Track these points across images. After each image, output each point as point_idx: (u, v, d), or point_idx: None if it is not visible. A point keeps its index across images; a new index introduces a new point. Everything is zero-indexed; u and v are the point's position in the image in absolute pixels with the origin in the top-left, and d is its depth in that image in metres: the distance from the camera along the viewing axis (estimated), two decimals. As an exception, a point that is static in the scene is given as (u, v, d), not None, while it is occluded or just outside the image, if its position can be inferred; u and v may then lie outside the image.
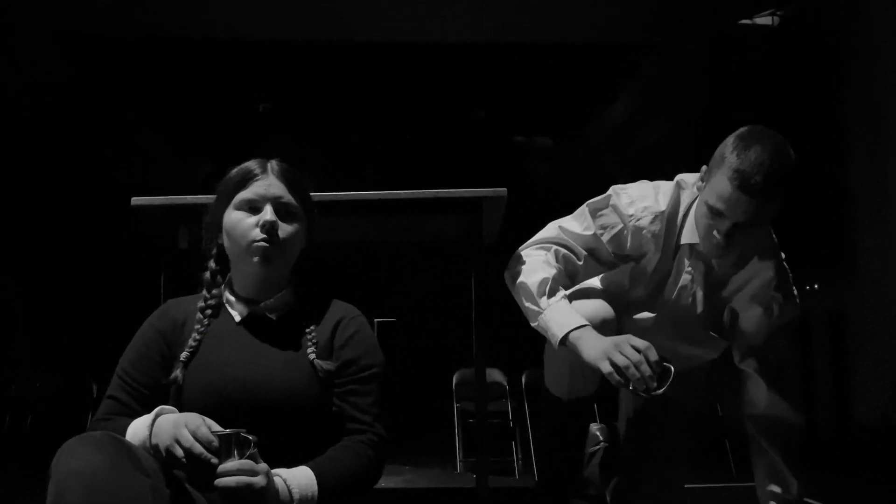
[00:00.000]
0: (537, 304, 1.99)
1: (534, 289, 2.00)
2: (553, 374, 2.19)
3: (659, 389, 1.81)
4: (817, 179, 5.94)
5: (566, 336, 1.93)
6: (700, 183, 2.01)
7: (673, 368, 1.82)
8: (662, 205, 2.08)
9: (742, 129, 1.93)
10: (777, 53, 6.48)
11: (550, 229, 2.15)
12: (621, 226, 2.09)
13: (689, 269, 2.11)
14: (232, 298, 1.71)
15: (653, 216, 2.07)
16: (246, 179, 1.68)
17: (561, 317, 1.96)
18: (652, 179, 2.18)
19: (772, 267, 2.10)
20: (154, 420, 1.48)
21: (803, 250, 6.23)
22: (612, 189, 2.13)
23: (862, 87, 5.99)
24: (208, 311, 1.70)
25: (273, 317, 1.69)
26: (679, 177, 2.13)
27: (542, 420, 2.36)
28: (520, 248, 2.13)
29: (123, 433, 1.48)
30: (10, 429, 5.56)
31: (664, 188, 2.11)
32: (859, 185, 5.99)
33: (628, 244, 2.10)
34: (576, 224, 2.13)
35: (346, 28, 7.06)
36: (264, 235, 1.63)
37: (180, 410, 1.54)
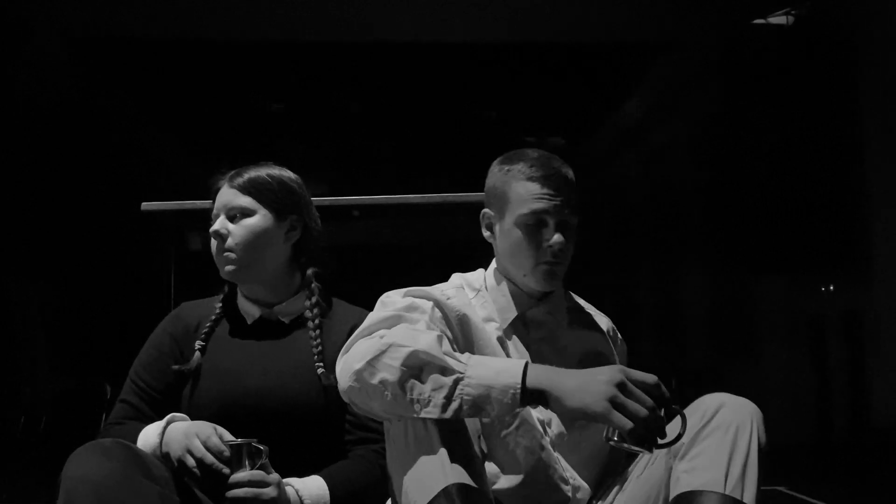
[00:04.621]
0: (456, 359, 1.29)
1: (436, 347, 1.29)
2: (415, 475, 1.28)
3: (673, 441, 1.29)
4: (832, 180, 5.90)
5: (524, 381, 1.26)
6: (488, 233, 1.67)
7: (684, 412, 1.33)
8: (471, 287, 1.63)
9: (497, 159, 1.70)
10: (791, 53, 6.43)
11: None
12: (432, 306, 1.48)
13: (530, 343, 1.59)
14: (245, 301, 1.71)
15: (474, 293, 1.62)
16: (213, 196, 1.70)
17: (501, 363, 1.31)
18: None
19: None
20: (165, 428, 1.48)
21: (819, 251, 6.22)
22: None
23: (877, 86, 5.95)
24: (221, 306, 1.71)
25: (286, 320, 1.68)
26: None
27: None
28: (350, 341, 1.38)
29: (135, 439, 1.48)
30: (24, 430, 5.60)
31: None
32: (874, 186, 5.95)
33: (454, 333, 1.50)
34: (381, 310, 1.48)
35: (358, 29, 7.06)
36: (218, 248, 1.64)
37: (192, 417, 1.53)
